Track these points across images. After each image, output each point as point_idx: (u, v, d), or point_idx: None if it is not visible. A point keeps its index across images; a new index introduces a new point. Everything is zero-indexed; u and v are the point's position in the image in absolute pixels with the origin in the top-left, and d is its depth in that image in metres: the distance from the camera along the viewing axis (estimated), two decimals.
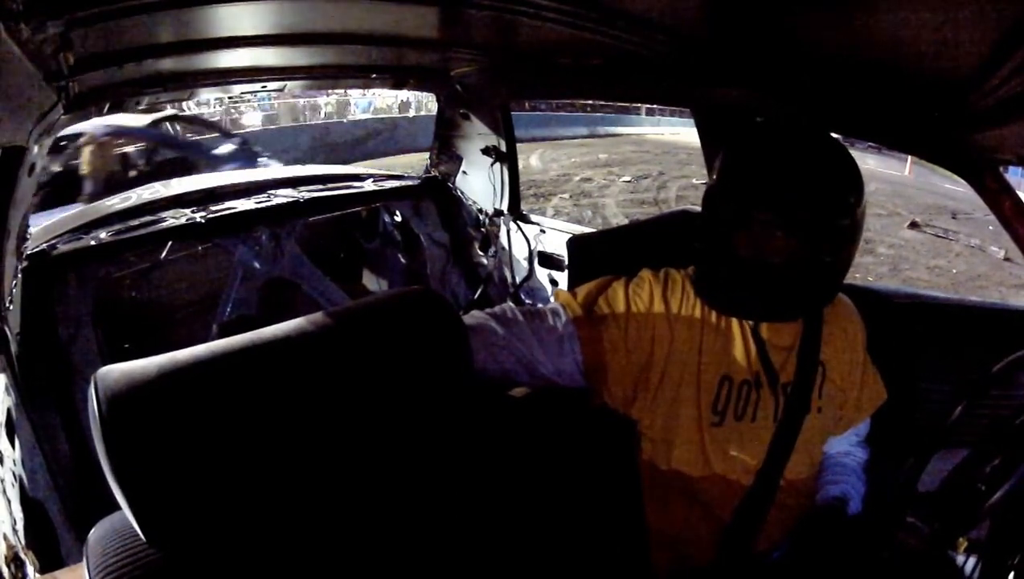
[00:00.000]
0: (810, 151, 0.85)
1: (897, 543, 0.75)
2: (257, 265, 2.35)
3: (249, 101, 13.76)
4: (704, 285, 0.93)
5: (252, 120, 14.00)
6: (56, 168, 4.32)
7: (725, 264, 0.88)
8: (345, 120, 14.86)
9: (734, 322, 0.93)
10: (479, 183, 2.58)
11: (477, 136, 2.49)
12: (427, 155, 2.81)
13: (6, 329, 1.37)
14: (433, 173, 2.74)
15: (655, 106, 17.31)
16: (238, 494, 0.58)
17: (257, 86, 2.10)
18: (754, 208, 0.84)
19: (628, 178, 11.84)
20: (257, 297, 2.36)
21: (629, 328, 0.92)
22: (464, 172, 2.63)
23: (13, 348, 1.41)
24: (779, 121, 0.92)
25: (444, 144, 2.66)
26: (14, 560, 1.01)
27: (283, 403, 0.58)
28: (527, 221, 2.51)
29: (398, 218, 2.78)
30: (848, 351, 0.98)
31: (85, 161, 4.61)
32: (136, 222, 2.08)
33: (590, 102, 15.62)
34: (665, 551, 0.95)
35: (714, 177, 0.90)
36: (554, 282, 2.47)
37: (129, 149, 5.11)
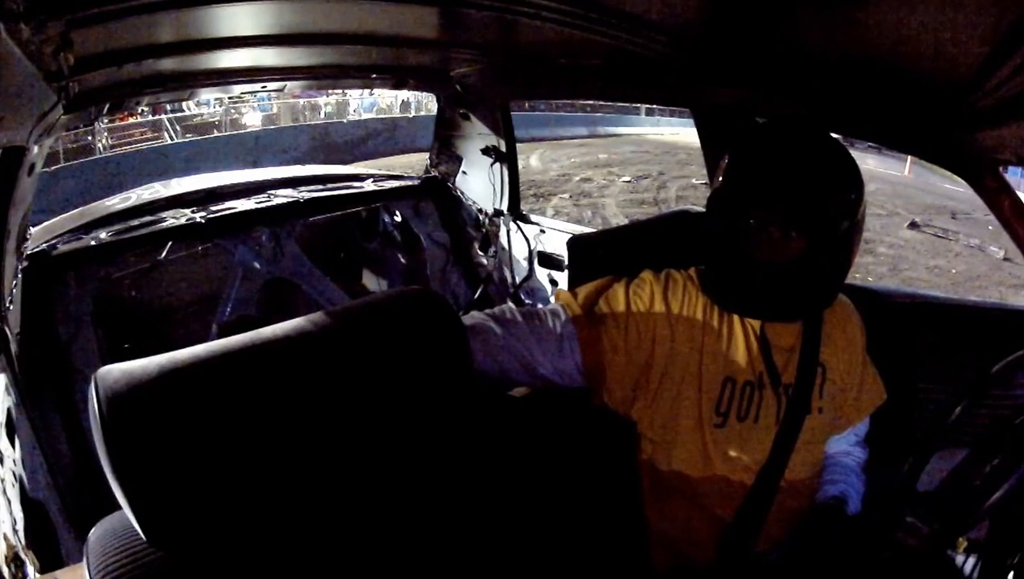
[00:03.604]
0: (811, 152, 0.85)
1: (897, 543, 0.75)
2: (257, 265, 2.35)
3: (249, 101, 13.77)
4: (710, 284, 0.93)
5: (252, 120, 14.02)
6: None
7: (729, 265, 0.89)
8: (345, 120, 14.87)
9: (736, 323, 0.93)
10: (479, 183, 2.58)
11: (477, 136, 2.49)
12: (427, 155, 2.81)
13: (6, 329, 1.37)
14: (433, 173, 2.74)
15: (655, 106, 17.33)
16: (239, 494, 0.58)
17: (257, 86, 2.10)
18: (755, 209, 0.84)
19: (628, 178, 11.85)
20: (257, 297, 2.36)
21: (629, 329, 0.92)
22: (464, 172, 2.63)
23: (13, 348, 1.41)
24: (779, 122, 0.92)
25: (444, 144, 2.66)
26: (14, 560, 1.01)
27: (283, 403, 0.59)
28: (527, 221, 2.51)
29: (398, 218, 2.78)
30: (848, 351, 0.98)
31: None
32: (136, 222, 2.08)
33: (590, 102, 15.64)
34: (665, 551, 0.95)
35: (718, 179, 0.90)
36: (554, 282, 2.47)
37: None
